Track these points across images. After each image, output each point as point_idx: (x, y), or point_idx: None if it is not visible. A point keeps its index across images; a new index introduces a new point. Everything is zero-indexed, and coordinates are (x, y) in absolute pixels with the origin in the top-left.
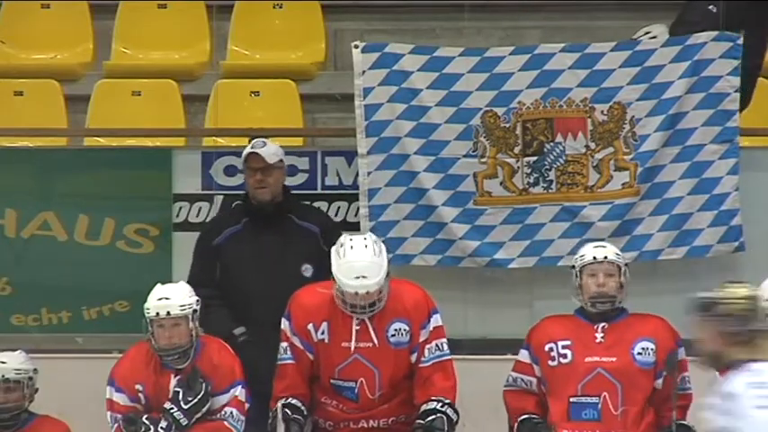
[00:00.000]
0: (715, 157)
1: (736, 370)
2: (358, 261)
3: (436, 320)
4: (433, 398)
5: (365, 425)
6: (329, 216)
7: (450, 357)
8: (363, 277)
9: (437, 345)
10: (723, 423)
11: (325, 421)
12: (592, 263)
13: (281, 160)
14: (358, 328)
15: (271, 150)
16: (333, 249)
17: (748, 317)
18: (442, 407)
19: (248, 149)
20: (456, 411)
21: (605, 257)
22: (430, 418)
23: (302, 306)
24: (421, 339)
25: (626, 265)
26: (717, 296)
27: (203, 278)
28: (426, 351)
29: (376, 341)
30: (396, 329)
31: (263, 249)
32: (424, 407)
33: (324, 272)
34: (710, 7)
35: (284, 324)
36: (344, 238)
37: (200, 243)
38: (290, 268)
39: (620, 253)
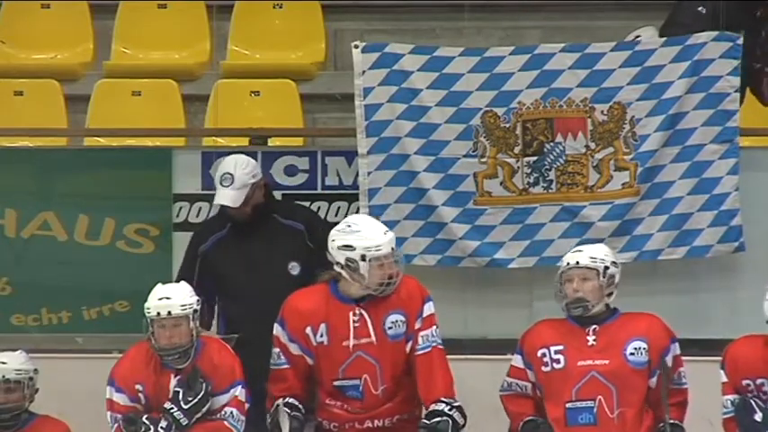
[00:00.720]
0: (715, 157)
1: None
2: (373, 223)
3: (429, 308)
4: (443, 399)
5: (370, 424)
6: (314, 212)
7: (442, 345)
8: (388, 230)
9: (432, 332)
10: None
11: (330, 422)
12: (567, 269)
13: (253, 183)
14: (357, 324)
15: (237, 186)
16: (335, 238)
17: None
18: (450, 410)
19: (216, 197)
20: (464, 415)
21: (577, 262)
22: (435, 420)
23: (298, 311)
24: (416, 327)
25: (606, 267)
26: None
27: (186, 277)
28: (421, 339)
29: (374, 338)
30: (392, 321)
31: (250, 252)
32: (432, 406)
33: (311, 269)
34: (699, 8)
35: (277, 330)
36: (339, 225)
37: (189, 245)
38: (277, 268)
39: (595, 256)
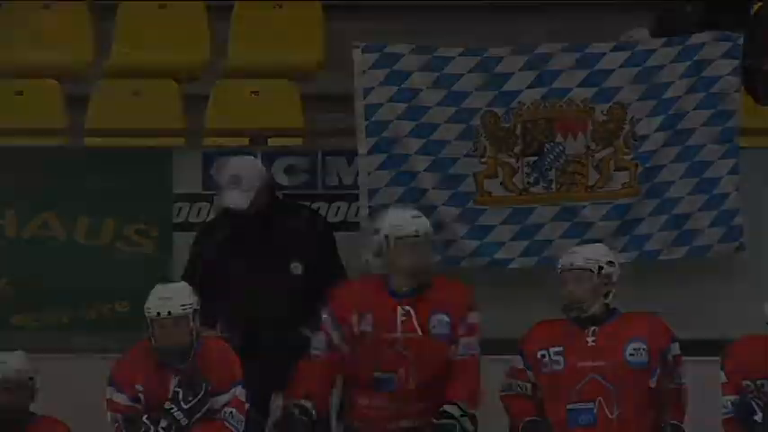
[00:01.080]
0: (715, 157)
1: None
2: (405, 209)
3: (474, 317)
4: (458, 402)
5: (398, 425)
6: (315, 211)
7: (478, 355)
8: (420, 217)
9: (472, 341)
10: None
11: (359, 422)
12: (562, 271)
13: (259, 185)
14: (404, 318)
15: (244, 188)
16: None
17: None
18: (461, 415)
19: (223, 199)
20: (474, 424)
21: (571, 264)
22: (442, 421)
23: (345, 297)
24: (459, 333)
25: (601, 267)
26: None
27: (189, 278)
28: (461, 346)
29: (418, 333)
30: (437, 320)
31: (252, 252)
32: (446, 407)
33: (312, 268)
34: (687, 8)
35: (324, 317)
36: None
37: (192, 245)
38: (280, 268)
39: (589, 257)
